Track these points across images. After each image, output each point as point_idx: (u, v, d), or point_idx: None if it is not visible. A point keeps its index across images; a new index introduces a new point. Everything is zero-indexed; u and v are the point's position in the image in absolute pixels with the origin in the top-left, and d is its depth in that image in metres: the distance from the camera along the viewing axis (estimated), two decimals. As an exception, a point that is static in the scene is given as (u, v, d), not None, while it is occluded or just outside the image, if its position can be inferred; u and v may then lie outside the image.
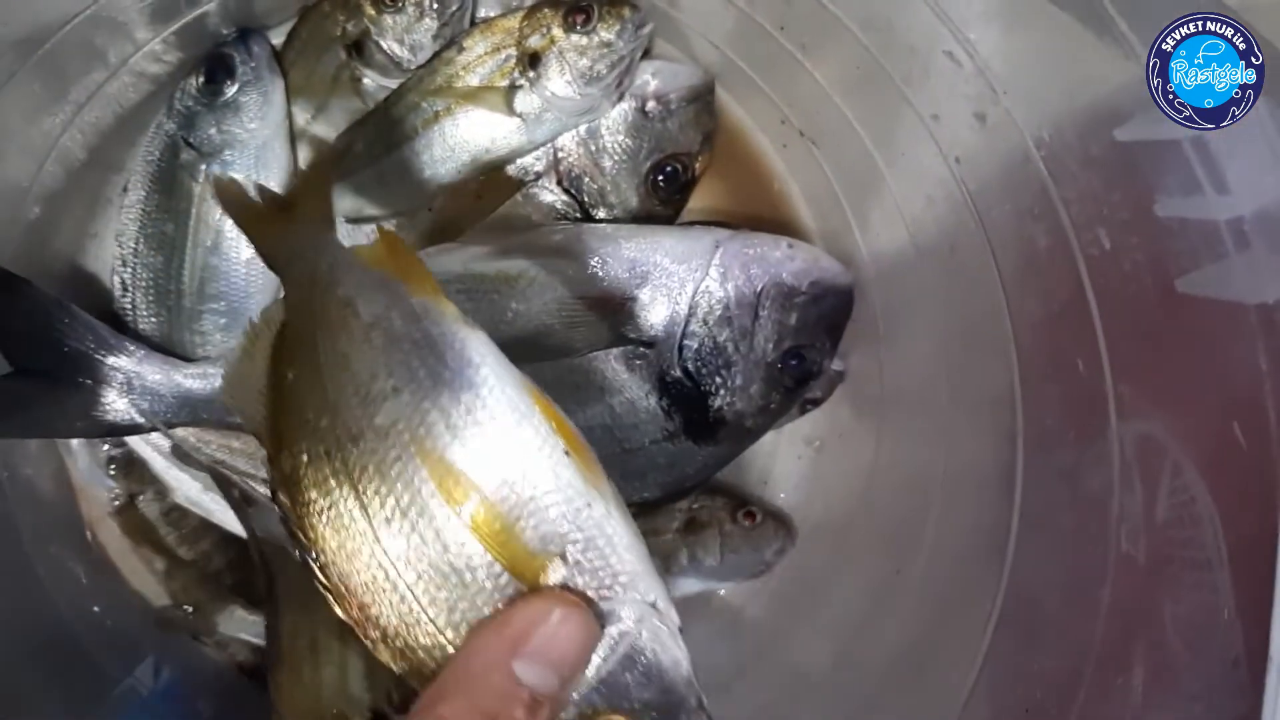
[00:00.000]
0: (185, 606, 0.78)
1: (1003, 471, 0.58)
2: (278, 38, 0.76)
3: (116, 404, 0.68)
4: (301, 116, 0.74)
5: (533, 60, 0.69)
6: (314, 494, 0.46)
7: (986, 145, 0.50)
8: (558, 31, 0.68)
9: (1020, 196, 0.48)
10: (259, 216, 0.57)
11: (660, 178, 0.75)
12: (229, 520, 0.76)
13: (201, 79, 0.71)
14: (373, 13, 0.69)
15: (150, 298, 0.73)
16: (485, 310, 0.68)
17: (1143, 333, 0.44)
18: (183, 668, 0.78)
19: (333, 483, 0.45)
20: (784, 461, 0.83)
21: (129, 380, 0.68)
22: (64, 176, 0.72)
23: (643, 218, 0.76)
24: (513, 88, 0.69)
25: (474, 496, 0.43)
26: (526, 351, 0.67)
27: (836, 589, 0.77)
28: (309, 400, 0.47)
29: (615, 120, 0.73)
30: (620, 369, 0.69)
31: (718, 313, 0.68)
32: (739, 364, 0.69)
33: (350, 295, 0.48)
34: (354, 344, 0.47)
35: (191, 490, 0.76)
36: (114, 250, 0.75)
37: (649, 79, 0.73)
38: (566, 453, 0.44)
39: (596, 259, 0.68)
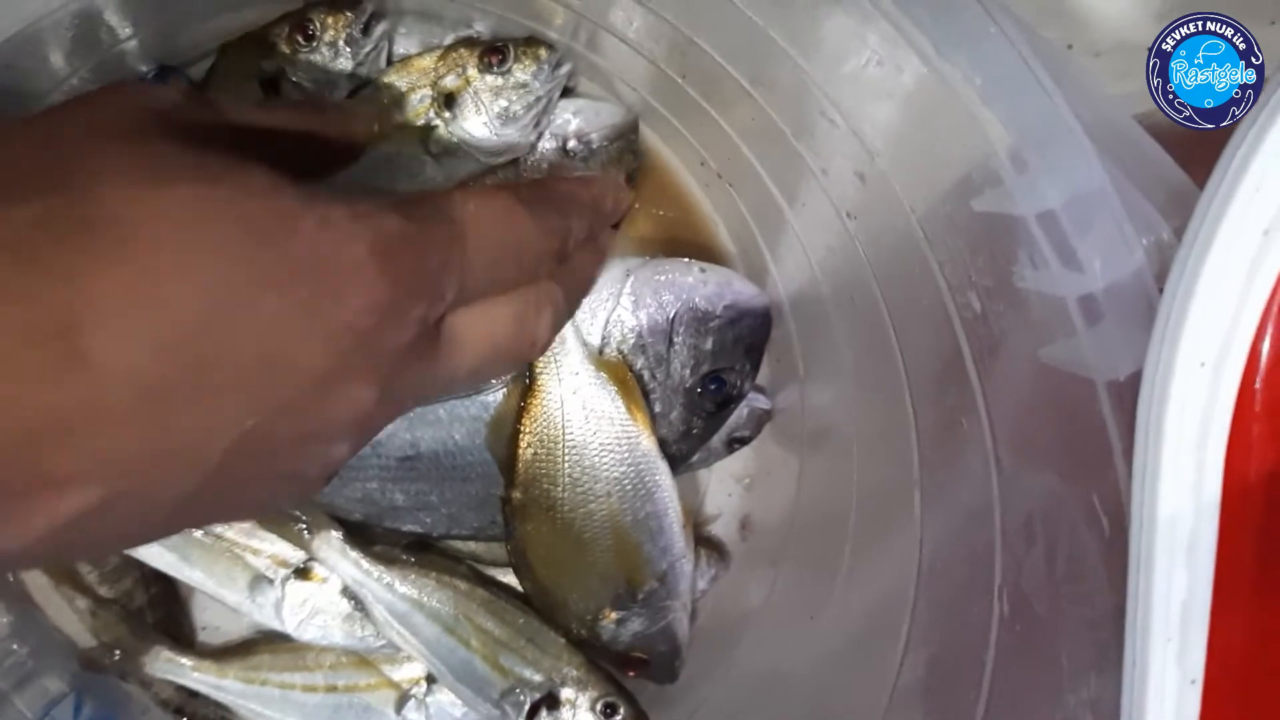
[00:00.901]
0: (111, 649, 0.77)
1: (905, 520, 0.58)
2: (198, 74, 0.75)
3: None
4: (220, 153, 0.73)
5: (448, 100, 0.68)
6: (527, 527, 0.69)
7: (870, 203, 0.50)
8: (473, 72, 0.68)
9: (903, 255, 0.48)
10: None
11: (581, 217, 0.74)
12: (150, 556, 0.75)
13: (118, 117, 0.70)
14: (287, 51, 0.69)
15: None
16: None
17: (1015, 398, 0.44)
18: (104, 704, 0.78)
19: (543, 519, 0.68)
20: (714, 498, 0.83)
21: None
22: None
23: (565, 256, 0.75)
24: (428, 127, 0.69)
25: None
26: (439, 390, 0.68)
27: (764, 626, 0.77)
28: (543, 470, 0.67)
29: (536, 159, 0.73)
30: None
31: (631, 341, 0.69)
32: (656, 391, 0.70)
33: (590, 413, 0.67)
34: (586, 454, 0.67)
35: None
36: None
37: (570, 117, 0.73)
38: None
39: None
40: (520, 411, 0.67)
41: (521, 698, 0.70)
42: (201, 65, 0.75)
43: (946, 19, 0.38)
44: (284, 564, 0.75)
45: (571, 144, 0.73)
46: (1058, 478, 0.43)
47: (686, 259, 0.71)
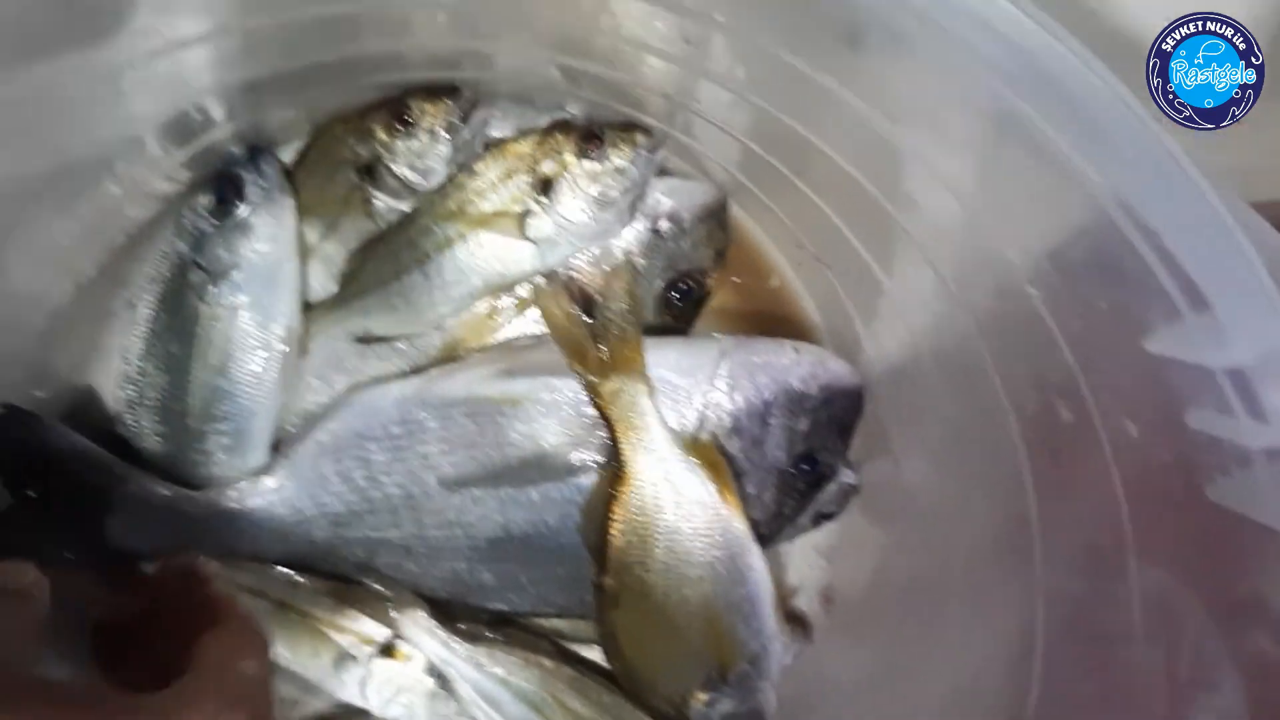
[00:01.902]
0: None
1: (1014, 606, 0.58)
2: (288, 156, 0.76)
3: (123, 534, 0.68)
4: (312, 235, 0.73)
5: (545, 186, 0.69)
6: (620, 612, 0.69)
7: (1005, 312, 0.50)
8: (570, 158, 0.68)
9: (1040, 368, 0.48)
10: (585, 354, 0.67)
11: (674, 295, 0.74)
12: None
13: (211, 199, 0.70)
14: (385, 138, 0.69)
15: (156, 417, 0.73)
16: (490, 433, 0.68)
17: (1169, 525, 0.44)
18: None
19: (636, 605, 0.68)
20: (796, 570, 0.83)
21: (133, 509, 0.68)
22: (71, 290, 0.72)
23: (654, 333, 0.75)
24: (526, 213, 0.69)
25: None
26: (535, 473, 0.68)
27: (849, 700, 0.76)
28: (636, 557, 0.67)
29: (628, 239, 0.73)
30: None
31: (727, 424, 0.68)
32: (751, 473, 0.69)
33: (681, 498, 0.67)
34: (680, 539, 0.66)
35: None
36: (119, 367, 0.74)
37: (662, 198, 0.73)
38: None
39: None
40: (611, 498, 0.67)
41: None
42: (293, 146, 0.76)
43: (1108, 135, 0.37)
44: (369, 641, 0.75)
45: (663, 225, 0.73)
46: (1205, 602, 0.43)
47: (779, 339, 0.71)
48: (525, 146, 0.70)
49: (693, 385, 0.68)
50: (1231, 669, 0.44)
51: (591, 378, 0.67)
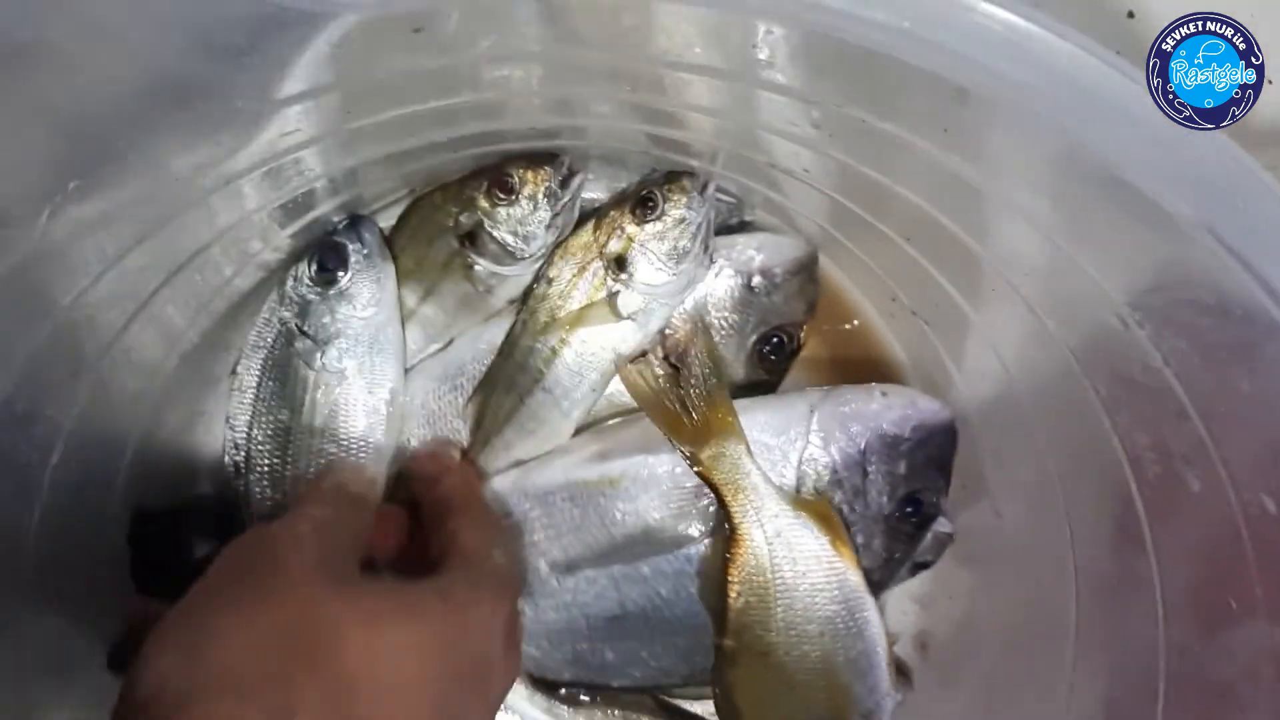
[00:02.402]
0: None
1: (1139, 654, 0.57)
2: (386, 220, 0.78)
3: None
4: (411, 299, 0.75)
5: (619, 263, 0.70)
6: (739, 671, 0.69)
7: (1112, 360, 0.50)
8: (632, 229, 0.69)
9: (1171, 441, 0.48)
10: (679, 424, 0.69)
11: (767, 348, 0.75)
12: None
13: (314, 268, 0.72)
14: (486, 205, 0.70)
15: (265, 483, 0.74)
16: (594, 515, 0.70)
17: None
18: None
19: (755, 664, 0.68)
20: (892, 618, 0.82)
21: None
22: (178, 358, 0.74)
23: (746, 388, 0.76)
24: (612, 295, 0.70)
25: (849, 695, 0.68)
26: (644, 549, 0.69)
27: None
28: (755, 617, 0.67)
29: (721, 296, 0.74)
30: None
31: (826, 478, 0.69)
32: (857, 523, 0.70)
33: (797, 555, 0.67)
34: (798, 597, 0.67)
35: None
36: (226, 434, 0.76)
37: (753, 254, 0.74)
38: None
39: (694, 445, 0.69)
40: (727, 561, 0.67)
41: None
42: (392, 211, 0.78)
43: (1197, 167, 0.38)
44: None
45: (755, 280, 0.74)
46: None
47: (867, 385, 0.72)
48: (586, 235, 0.72)
49: (787, 443, 0.69)
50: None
51: (688, 447, 0.68)
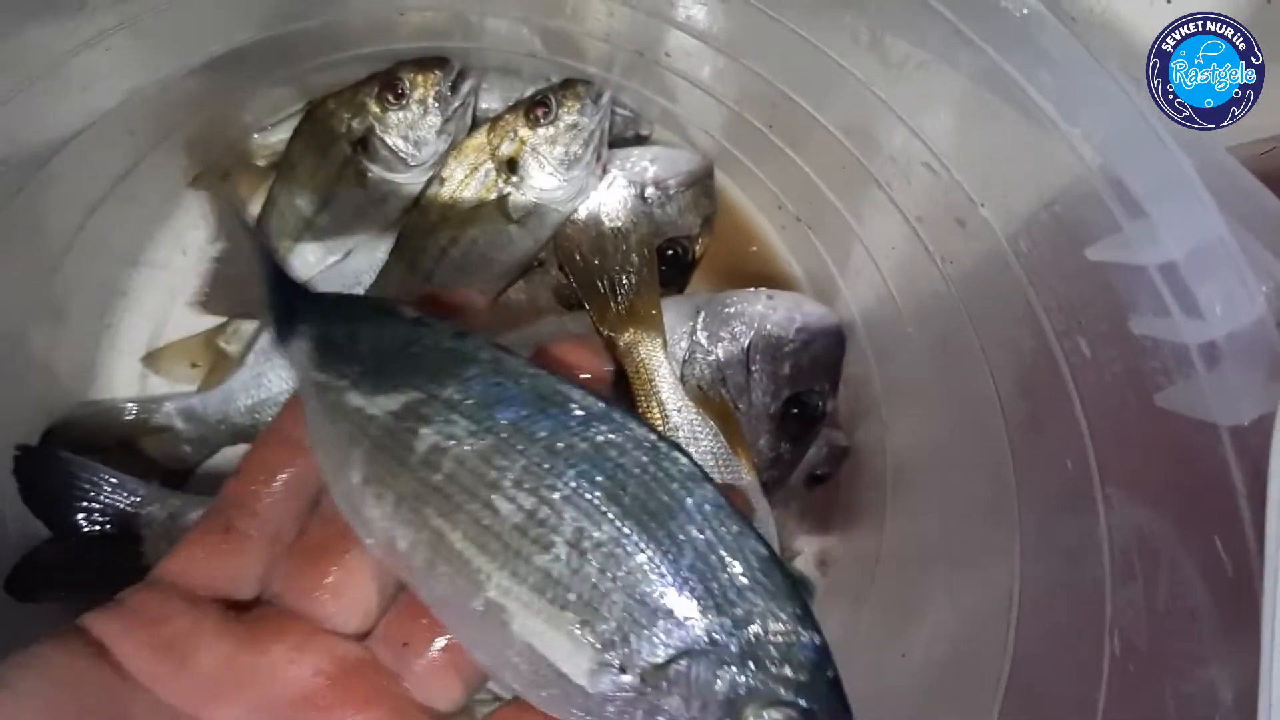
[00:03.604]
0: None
1: (1001, 557, 0.58)
2: (284, 132, 0.78)
3: (156, 554, 0.68)
4: (308, 209, 0.75)
5: (511, 165, 0.70)
6: None
7: (969, 249, 0.51)
8: (524, 131, 0.70)
9: (1004, 300, 0.49)
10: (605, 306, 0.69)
11: (660, 262, 0.75)
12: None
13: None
14: (378, 110, 0.71)
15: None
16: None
17: (1126, 440, 0.45)
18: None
19: None
20: (792, 536, 0.83)
21: (165, 528, 0.70)
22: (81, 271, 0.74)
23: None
24: (502, 197, 0.70)
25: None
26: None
27: (845, 662, 0.77)
28: None
29: (615, 207, 0.74)
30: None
31: (709, 375, 0.69)
32: (743, 421, 0.70)
33: (694, 451, 0.60)
34: None
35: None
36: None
37: (648, 165, 0.74)
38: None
39: (584, 345, 0.69)
40: None
41: None
42: (287, 125, 0.78)
43: (1064, 74, 0.39)
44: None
45: (649, 191, 0.74)
46: (1174, 520, 0.43)
47: (755, 289, 0.72)
48: (480, 138, 0.72)
49: (673, 341, 0.69)
50: (1206, 590, 0.45)
51: (607, 329, 0.68)
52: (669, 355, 0.68)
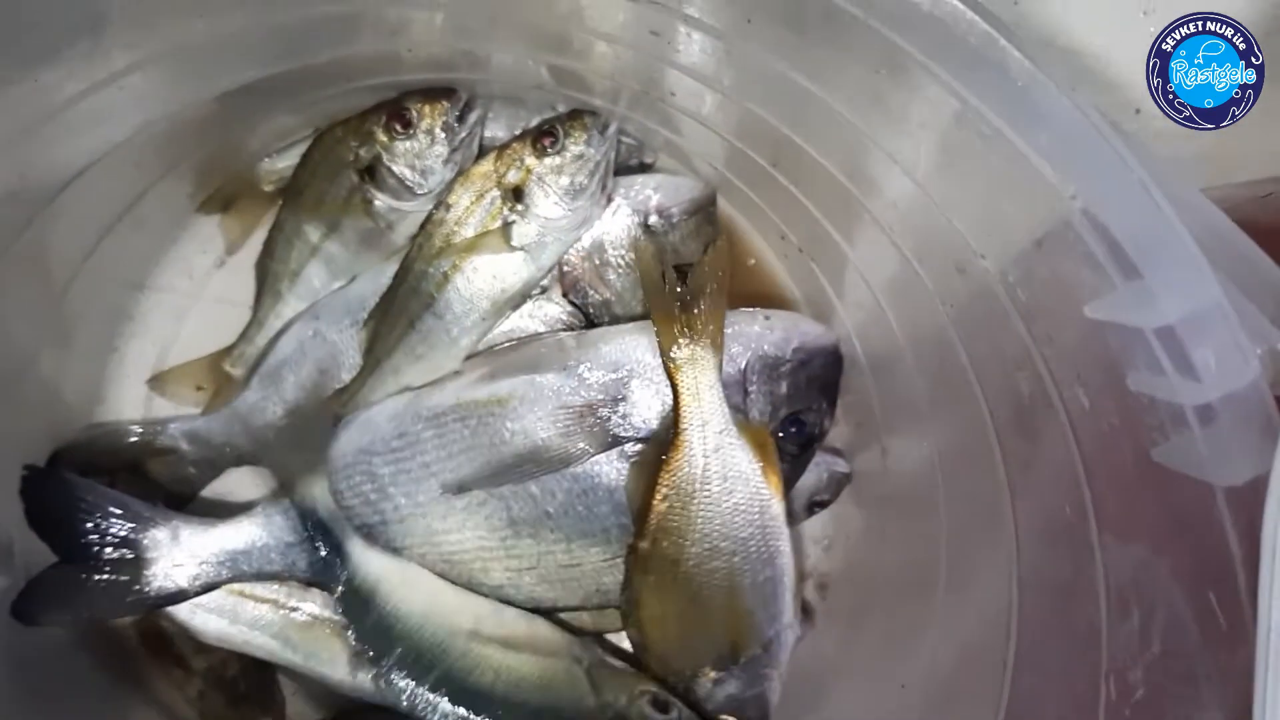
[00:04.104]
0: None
1: (1000, 591, 0.59)
2: (291, 158, 0.79)
3: (160, 577, 0.71)
4: (315, 235, 0.76)
5: (516, 194, 0.70)
6: (648, 578, 0.70)
7: (969, 295, 0.52)
8: (531, 160, 0.70)
9: (1003, 346, 0.50)
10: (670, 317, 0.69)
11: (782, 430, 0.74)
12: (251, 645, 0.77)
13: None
14: (385, 139, 0.71)
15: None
16: (483, 434, 0.70)
17: (1123, 491, 0.45)
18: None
19: (666, 571, 0.69)
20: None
21: (169, 550, 0.71)
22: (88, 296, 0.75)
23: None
24: (507, 225, 0.71)
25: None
26: (532, 467, 0.69)
27: (843, 686, 0.78)
28: (675, 523, 0.68)
29: (618, 235, 0.75)
30: (624, 467, 0.70)
31: None
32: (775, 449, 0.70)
33: (728, 473, 0.67)
34: (719, 512, 0.68)
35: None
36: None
37: (651, 193, 0.75)
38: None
39: (582, 366, 0.70)
40: (662, 464, 0.68)
41: None
42: (296, 150, 0.79)
43: (1061, 137, 0.39)
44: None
45: (653, 219, 0.75)
46: (1170, 571, 0.44)
47: (752, 309, 0.73)
48: (487, 165, 0.72)
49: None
50: (1200, 641, 0.45)
51: (668, 342, 0.68)
52: (720, 379, 0.68)
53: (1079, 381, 0.44)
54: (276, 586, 0.75)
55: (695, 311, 0.68)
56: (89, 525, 0.69)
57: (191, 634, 0.77)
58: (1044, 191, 0.41)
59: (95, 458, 0.77)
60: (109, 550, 0.70)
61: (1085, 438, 0.46)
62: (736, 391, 0.70)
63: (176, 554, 0.71)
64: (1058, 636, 0.55)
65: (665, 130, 0.73)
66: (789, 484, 0.74)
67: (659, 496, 0.68)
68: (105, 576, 0.70)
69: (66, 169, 0.65)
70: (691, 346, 0.68)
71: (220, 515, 0.73)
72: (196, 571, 0.72)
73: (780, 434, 0.71)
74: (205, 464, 0.79)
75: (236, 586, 0.75)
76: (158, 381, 0.81)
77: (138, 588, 0.70)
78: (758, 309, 0.72)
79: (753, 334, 0.71)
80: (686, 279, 0.69)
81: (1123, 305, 0.38)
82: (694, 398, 0.67)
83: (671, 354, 0.68)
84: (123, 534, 0.70)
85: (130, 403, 0.81)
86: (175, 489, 0.79)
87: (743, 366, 0.70)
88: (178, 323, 0.82)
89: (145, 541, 0.70)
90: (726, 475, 0.68)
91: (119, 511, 0.70)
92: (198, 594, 0.72)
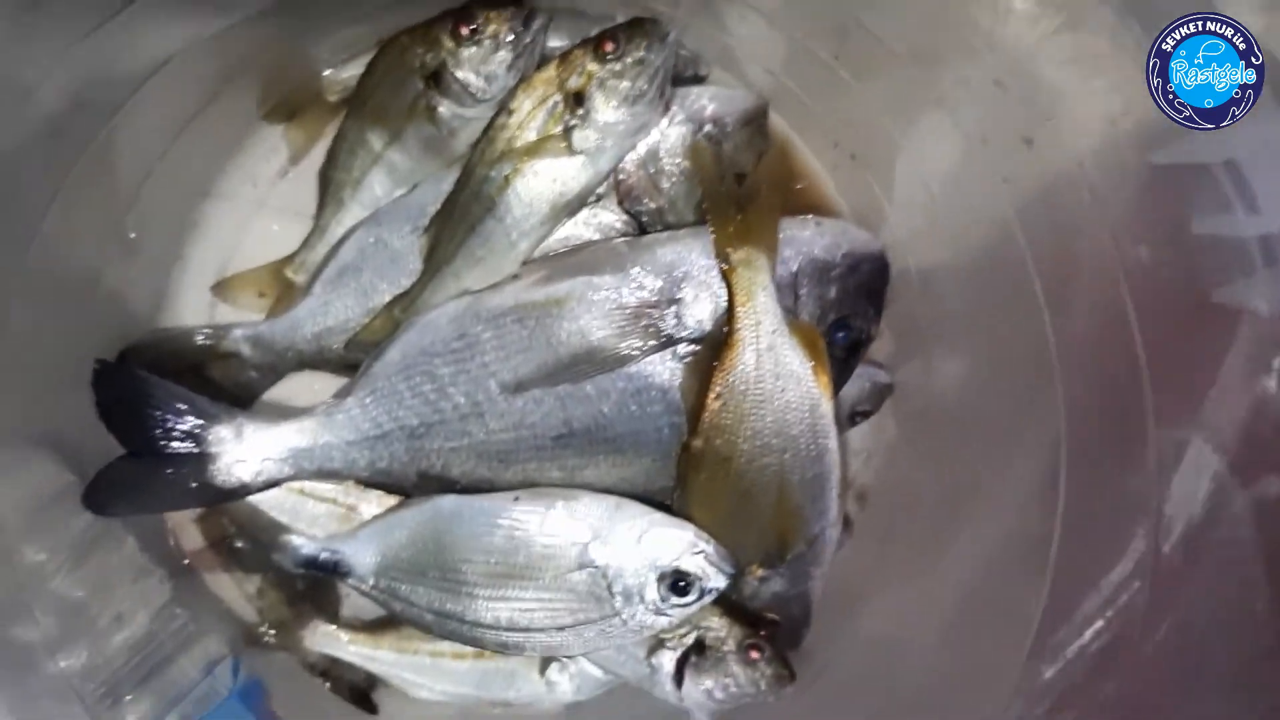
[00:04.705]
0: (274, 626, 0.82)
1: (1045, 480, 0.61)
2: (357, 68, 0.81)
3: (224, 471, 0.73)
4: (377, 143, 0.78)
5: (578, 99, 0.72)
6: (700, 475, 0.71)
7: (1032, 168, 0.54)
8: (593, 66, 0.72)
9: (1064, 215, 0.51)
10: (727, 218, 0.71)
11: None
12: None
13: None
14: (451, 45, 0.73)
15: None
16: (541, 335, 0.73)
17: (1178, 344, 0.47)
18: (261, 669, 0.82)
19: (718, 468, 0.71)
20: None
21: (233, 446, 0.73)
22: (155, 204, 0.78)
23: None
24: (568, 130, 0.73)
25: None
26: (588, 367, 0.72)
27: (879, 598, 0.80)
28: (728, 421, 0.70)
29: (673, 144, 0.77)
30: (678, 368, 0.72)
31: None
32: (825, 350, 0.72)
33: (781, 371, 0.70)
34: (772, 409, 0.70)
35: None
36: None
37: (706, 103, 0.77)
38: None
39: (637, 269, 0.72)
40: (716, 363, 0.70)
41: (671, 647, 0.73)
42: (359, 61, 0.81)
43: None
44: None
45: (708, 128, 0.77)
46: (1222, 418, 0.46)
47: (803, 216, 0.75)
48: (549, 71, 0.74)
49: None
50: (1245, 505, 0.47)
51: (723, 243, 0.71)
52: (773, 279, 0.70)
53: (1140, 237, 0.46)
54: (335, 486, 0.79)
55: (751, 213, 0.70)
56: (156, 419, 0.72)
57: (252, 530, 0.81)
58: (1124, 48, 0.42)
59: (160, 360, 0.79)
60: (175, 444, 0.72)
61: (1142, 298, 0.48)
62: (788, 294, 0.72)
63: (240, 450, 0.73)
64: (1105, 513, 0.57)
65: (723, 35, 0.75)
66: (836, 387, 0.76)
67: (713, 394, 0.70)
68: (171, 469, 0.72)
69: (132, 79, 0.68)
70: (747, 248, 0.70)
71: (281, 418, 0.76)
72: (259, 468, 0.74)
73: (828, 338, 0.73)
74: (266, 368, 0.82)
75: (297, 485, 0.77)
76: (221, 287, 0.84)
77: (202, 481, 0.73)
78: (809, 216, 0.75)
79: (804, 239, 0.73)
80: (741, 184, 0.71)
81: (1189, 146, 0.40)
82: (748, 298, 0.70)
83: (727, 255, 0.70)
84: (188, 428, 0.72)
85: (194, 308, 0.84)
86: (236, 393, 0.81)
87: (794, 270, 0.72)
88: (241, 230, 0.84)
89: (210, 437, 0.73)
90: (779, 374, 0.70)
91: (185, 407, 0.72)
92: (260, 490, 0.75)
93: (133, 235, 0.77)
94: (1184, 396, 0.49)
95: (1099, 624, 0.56)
